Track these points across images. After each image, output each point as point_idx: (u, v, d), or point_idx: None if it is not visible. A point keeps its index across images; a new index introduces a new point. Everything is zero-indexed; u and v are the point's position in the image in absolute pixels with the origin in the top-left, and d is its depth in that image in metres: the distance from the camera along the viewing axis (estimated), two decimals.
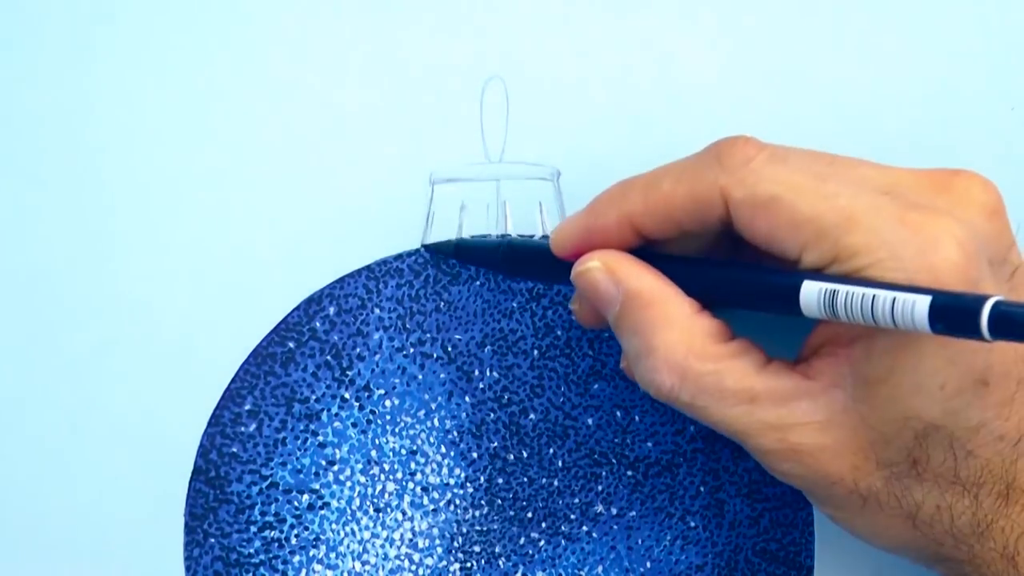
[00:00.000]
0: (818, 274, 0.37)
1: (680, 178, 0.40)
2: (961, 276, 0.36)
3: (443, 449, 0.46)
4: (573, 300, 0.44)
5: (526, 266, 0.45)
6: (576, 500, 0.46)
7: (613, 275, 0.41)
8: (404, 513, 0.46)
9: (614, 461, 0.46)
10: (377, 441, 0.46)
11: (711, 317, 0.40)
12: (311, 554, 0.46)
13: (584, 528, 0.46)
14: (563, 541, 0.46)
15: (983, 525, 0.39)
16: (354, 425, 0.46)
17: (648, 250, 0.41)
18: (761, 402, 0.39)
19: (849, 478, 0.39)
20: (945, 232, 0.36)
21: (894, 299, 0.35)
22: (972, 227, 0.37)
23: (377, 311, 0.46)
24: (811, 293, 0.37)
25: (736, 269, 0.40)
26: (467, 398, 0.46)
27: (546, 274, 0.44)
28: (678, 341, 0.39)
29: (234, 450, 0.46)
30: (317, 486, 0.46)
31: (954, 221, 0.37)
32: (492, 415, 0.46)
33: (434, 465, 0.46)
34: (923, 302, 0.35)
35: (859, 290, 0.36)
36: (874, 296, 0.35)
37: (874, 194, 0.38)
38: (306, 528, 0.46)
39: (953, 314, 0.34)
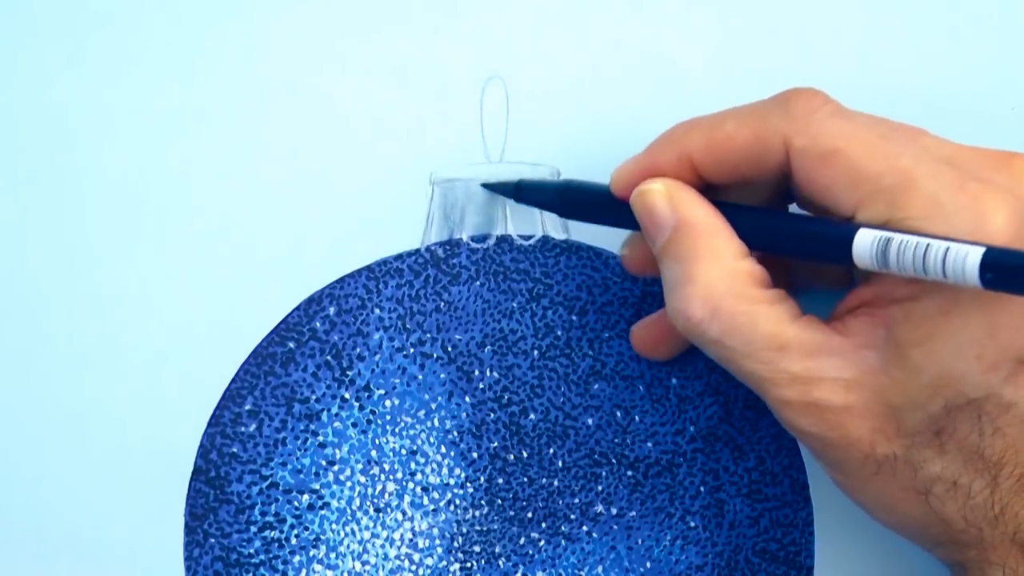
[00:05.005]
0: (873, 226, 0.38)
1: (744, 120, 0.40)
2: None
3: (443, 449, 0.46)
4: (623, 245, 0.44)
5: (583, 207, 0.44)
6: (576, 500, 0.46)
7: (672, 200, 0.41)
8: (404, 513, 0.46)
9: (614, 461, 0.46)
10: (377, 441, 0.46)
11: (755, 262, 0.40)
12: (311, 554, 0.46)
13: (584, 528, 0.46)
14: (563, 541, 0.46)
15: (998, 507, 0.39)
16: (354, 425, 0.46)
17: (706, 194, 0.41)
18: (790, 351, 0.39)
19: (867, 441, 0.39)
20: (1002, 204, 0.37)
21: (947, 248, 0.36)
22: None
23: (377, 311, 0.46)
24: (864, 240, 0.37)
25: (790, 217, 0.41)
26: (467, 398, 0.46)
27: (602, 216, 0.44)
28: (719, 277, 0.39)
29: (234, 450, 0.46)
30: (317, 486, 0.46)
31: (1012, 196, 0.37)
32: (492, 415, 0.46)
33: (434, 465, 0.46)
34: (976, 252, 0.35)
35: (913, 239, 0.36)
36: (928, 245, 0.36)
37: (936, 161, 0.38)
38: (306, 528, 0.46)
39: (1005, 268, 0.35)
